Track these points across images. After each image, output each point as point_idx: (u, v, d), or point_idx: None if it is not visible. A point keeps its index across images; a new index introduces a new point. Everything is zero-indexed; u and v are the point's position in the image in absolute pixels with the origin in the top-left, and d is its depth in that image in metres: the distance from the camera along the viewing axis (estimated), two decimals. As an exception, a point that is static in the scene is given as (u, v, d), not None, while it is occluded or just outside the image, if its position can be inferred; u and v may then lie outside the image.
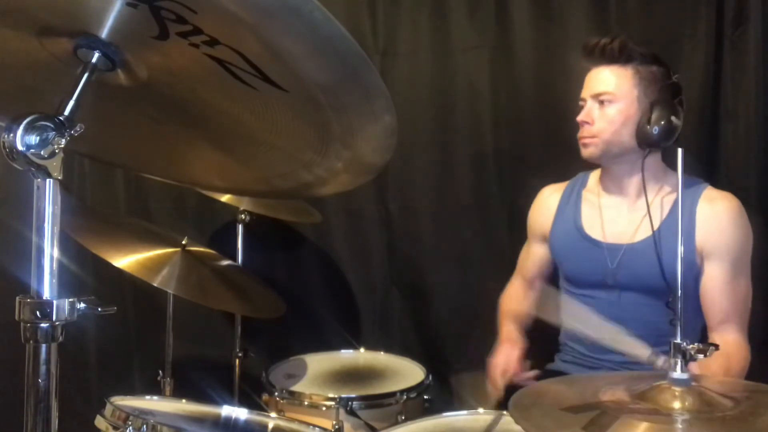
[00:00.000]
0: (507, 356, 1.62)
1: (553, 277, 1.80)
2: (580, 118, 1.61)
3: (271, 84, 0.80)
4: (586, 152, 1.61)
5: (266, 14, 0.70)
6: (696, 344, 0.94)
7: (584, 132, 1.60)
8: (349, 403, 1.59)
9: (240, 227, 2.10)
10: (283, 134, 0.94)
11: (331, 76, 0.78)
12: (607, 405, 0.92)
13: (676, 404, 0.90)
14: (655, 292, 1.53)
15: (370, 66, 0.77)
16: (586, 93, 1.61)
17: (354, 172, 1.01)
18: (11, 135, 0.74)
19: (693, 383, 0.93)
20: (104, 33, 0.80)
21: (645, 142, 1.54)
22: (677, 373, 0.94)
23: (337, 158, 0.94)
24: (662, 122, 1.51)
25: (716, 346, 0.94)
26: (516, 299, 1.83)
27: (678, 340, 0.94)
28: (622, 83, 1.55)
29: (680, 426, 0.88)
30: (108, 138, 1.10)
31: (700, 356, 0.94)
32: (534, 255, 1.81)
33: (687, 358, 0.93)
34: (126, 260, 1.56)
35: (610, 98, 1.55)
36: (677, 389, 0.92)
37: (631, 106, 1.54)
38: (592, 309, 1.60)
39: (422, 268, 2.28)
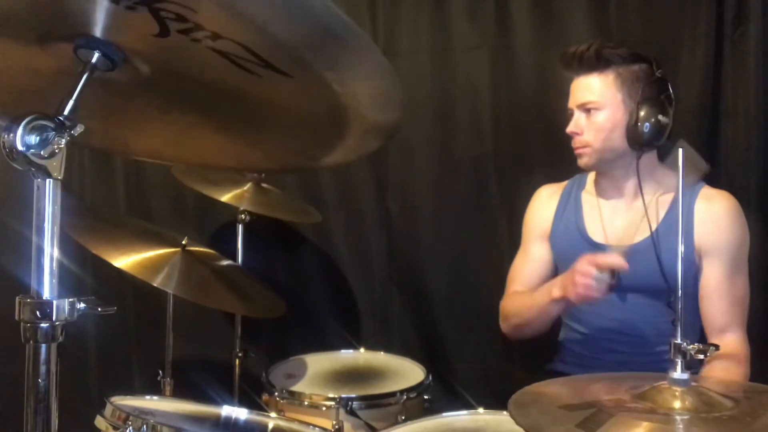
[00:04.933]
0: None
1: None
2: (569, 129, 1.61)
3: (276, 71, 0.79)
4: (581, 162, 1.62)
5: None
6: (696, 344, 0.94)
7: (576, 143, 1.61)
8: (349, 403, 1.58)
9: (240, 227, 2.10)
10: (288, 112, 0.93)
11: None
12: (604, 404, 0.92)
13: (676, 404, 0.90)
14: (656, 292, 1.53)
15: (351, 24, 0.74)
16: (572, 103, 1.61)
17: (359, 134, 0.97)
18: (11, 135, 0.74)
19: (692, 383, 0.93)
20: (104, 34, 0.80)
21: (636, 142, 1.54)
22: (677, 374, 0.94)
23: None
24: (650, 121, 1.51)
25: (716, 347, 0.95)
26: (519, 295, 1.72)
27: (678, 341, 0.94)
28: (605, 90, 1.54)
29: (679, 426, 0.87)
30: (113, 128, 1.10)
31: (701, 356, 0.94)
32: (532, 259, 1.76)
33: (687, 359, 0.93)
34: (126, 260, 1.56)
35: (595, 106, 1.55)
36: (677, 389, 0.92)
37: (618, 110, 1.54)
38: (593, 310, 1.60)
39: (422, 268, 2.28)
